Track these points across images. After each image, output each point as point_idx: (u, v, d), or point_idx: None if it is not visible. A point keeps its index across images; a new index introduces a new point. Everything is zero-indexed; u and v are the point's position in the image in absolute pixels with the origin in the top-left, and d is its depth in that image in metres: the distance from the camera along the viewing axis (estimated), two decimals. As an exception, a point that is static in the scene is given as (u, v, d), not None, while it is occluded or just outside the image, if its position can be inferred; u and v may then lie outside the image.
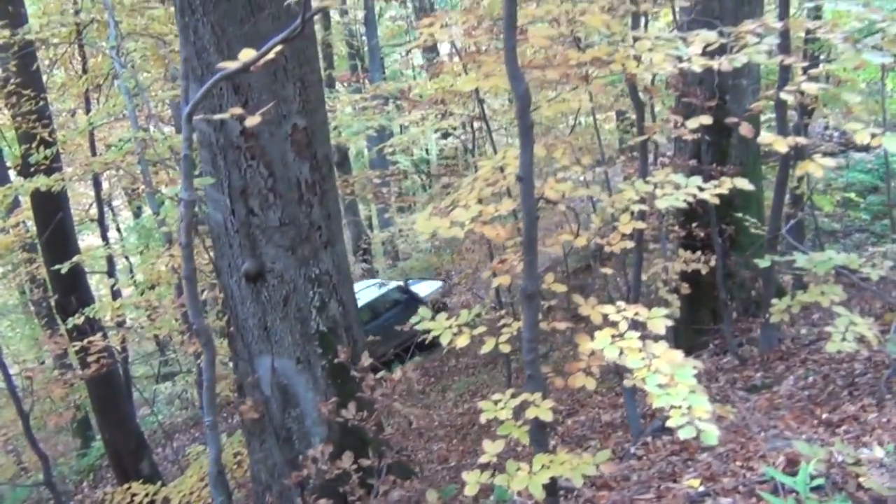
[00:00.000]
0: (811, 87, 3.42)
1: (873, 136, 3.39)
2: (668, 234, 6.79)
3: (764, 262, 4.34)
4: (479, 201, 3.37)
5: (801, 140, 3.39)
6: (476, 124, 7.45)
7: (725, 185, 3.18)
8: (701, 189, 3.19)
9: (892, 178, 10.20)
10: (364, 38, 14.61)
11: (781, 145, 3.29)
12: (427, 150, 15.88)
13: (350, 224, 14.55)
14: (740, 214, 6.11)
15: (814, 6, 7.18)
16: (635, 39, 3.47)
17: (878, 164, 12.32)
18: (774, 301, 4.27)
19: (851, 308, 4.96)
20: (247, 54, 2.05)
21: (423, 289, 13.33)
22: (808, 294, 4.09)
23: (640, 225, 3.21)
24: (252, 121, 2.19)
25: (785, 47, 4.87)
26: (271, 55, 2.06)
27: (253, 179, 4.37)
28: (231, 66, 2.08)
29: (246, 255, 4.48)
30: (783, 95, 3.43)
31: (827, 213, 11.23)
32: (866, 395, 3.91)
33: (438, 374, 10.95)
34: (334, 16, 14.54)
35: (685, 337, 6.99)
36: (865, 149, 13.19)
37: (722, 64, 3.09)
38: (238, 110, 2.39)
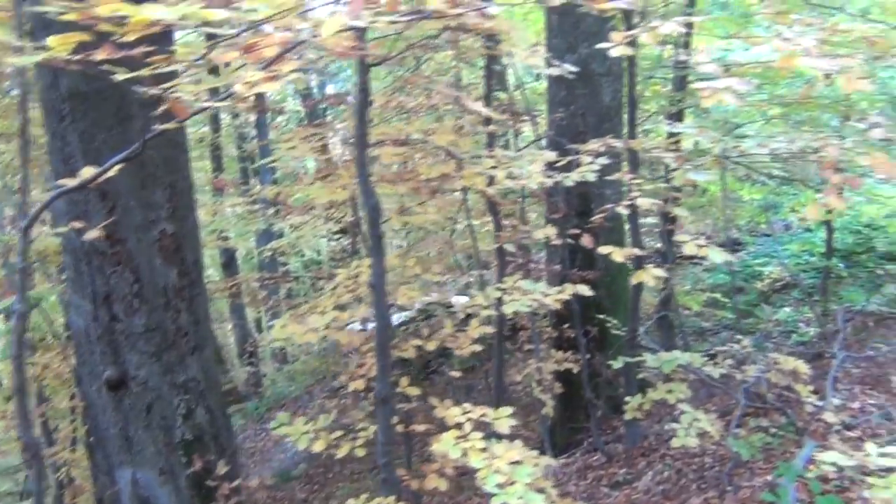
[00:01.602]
0: (644, 202, 3.77)
1: (700, 247, 3.75)
2: (540, 336, 7.04)
3: (617, 363, 4.60)
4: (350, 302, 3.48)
5: (636, 251, 3.70)
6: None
7: (568, 291, 3.42)
8: (545, 294, 3.42)
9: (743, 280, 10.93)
10: (255, 140, 14.74)
11: (619, 255, 3.59)
12: (318, 252, 15.92)
13: (236, 327, 14.27)
14: (603, 316, 6.44)
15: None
16: (490, 156, 3.76)
17: (740, 265, 13.22)
18: (628, 399, 4.51)
19: (703, 404, 5.27)
20: (88, 172, 2.14)
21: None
22: (657, 392, 4.35)
23: (488, 329, 3.39)
24: (92, 234, 2.25)
25: (634, 163, 5.33)
26: (112, 172, 2.16)
27: (118, 285, 4.33)
28: (70, 182, 2.16)
29: (108, 362, 4.38)
30: (619, 209, 3.76)
31: (696, 312, 11.90)
32: (712, 488, 4.13)
33: (322, 482, 10.65)
34: (225, 118, 14.67)
35: (561, 435, 7.17)
36: (731, 251, 14.19)
37: (557, 181, 3.38)
38: (77, 224, 2.44)
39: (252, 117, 14.74)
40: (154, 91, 1.90)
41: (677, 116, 9.38)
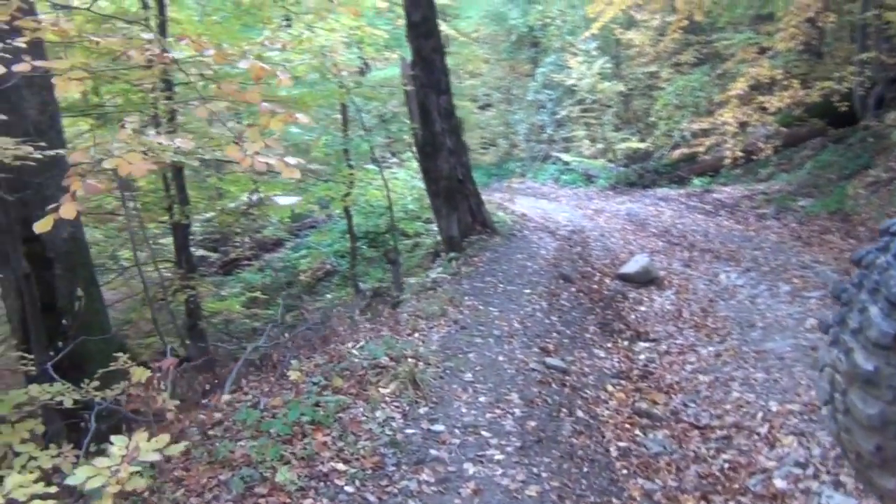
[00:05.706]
0: None
1: None
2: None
3: None
4: None
5: None
6: None
7: None
8: None
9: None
10: None
11: None
12: None
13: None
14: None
15: None
16: None
17: (285, 260, 13.46)
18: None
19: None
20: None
21: None
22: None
23: None
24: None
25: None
26: None
27: None
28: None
29: None
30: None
31: (238, 313, 11.76)
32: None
33: None
34: None
35: None
36: (272, 250, 14.41)
37: None
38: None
39: None
40: None
41: (159, 120, 9.11)
